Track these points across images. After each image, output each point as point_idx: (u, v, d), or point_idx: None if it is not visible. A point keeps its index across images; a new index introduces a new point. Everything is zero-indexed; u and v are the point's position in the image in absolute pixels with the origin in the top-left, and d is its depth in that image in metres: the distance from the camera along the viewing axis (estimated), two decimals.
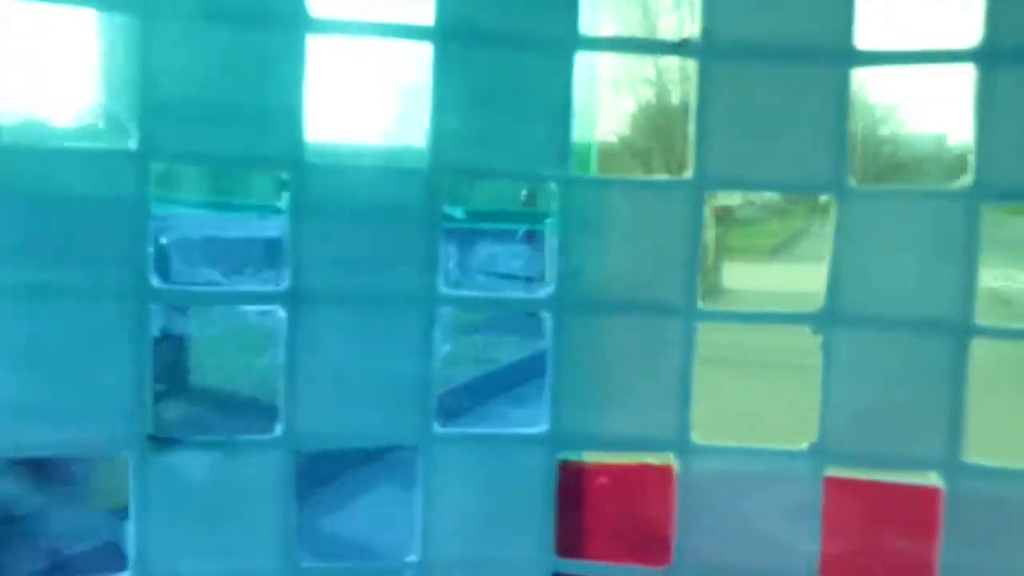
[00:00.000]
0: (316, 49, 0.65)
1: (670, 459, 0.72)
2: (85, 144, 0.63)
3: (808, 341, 0.70)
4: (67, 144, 0.63)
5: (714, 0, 0.68)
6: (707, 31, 0.68)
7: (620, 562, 0.75)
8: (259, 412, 0.70)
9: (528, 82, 0.68)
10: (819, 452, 0.70)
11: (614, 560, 0.76)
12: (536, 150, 0.69)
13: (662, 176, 0.72)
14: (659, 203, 0.70)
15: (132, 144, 0.62)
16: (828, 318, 0.70)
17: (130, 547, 0.65)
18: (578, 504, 0.76)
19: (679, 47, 0.69)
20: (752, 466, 0.72)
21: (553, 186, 0.69)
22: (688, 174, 0.69)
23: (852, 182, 0.68)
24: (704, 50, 0.68)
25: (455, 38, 0.66)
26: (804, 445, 0.71)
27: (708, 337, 0.71)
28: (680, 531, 0.72)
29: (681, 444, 0.71)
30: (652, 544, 0.73)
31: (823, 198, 0.70)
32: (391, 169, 0.69)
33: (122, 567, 0.65)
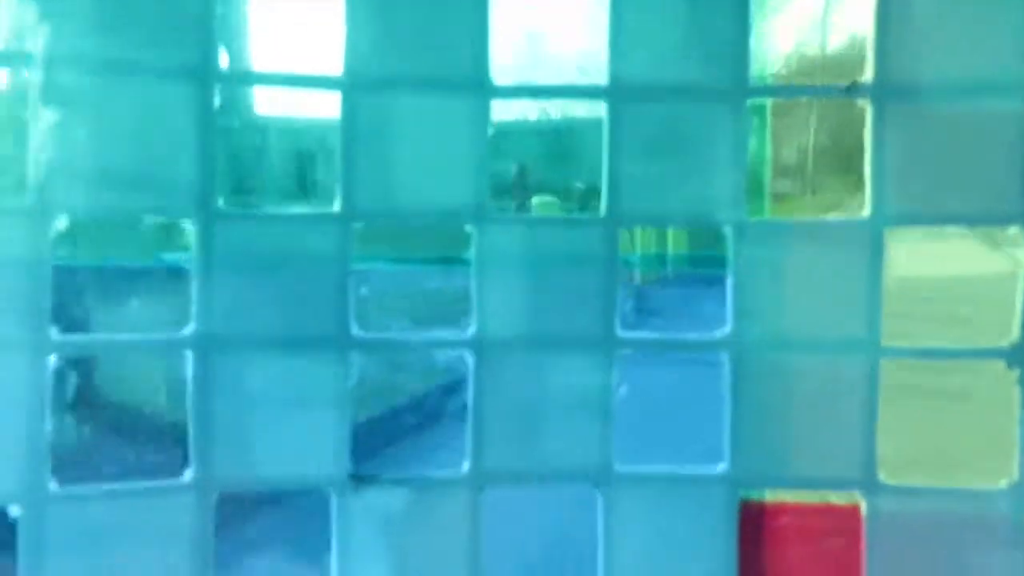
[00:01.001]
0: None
1: (856, 499, 0.68)
2: (294, 209, 0.68)
3: (1001, 374, 0.66)
4: (279, 209, 0.67)
5: (886, 42, 0.66)
6: (880, 72, 0.66)
7: None
8: (448, 450, 0.71)
9: (700, 130, 0.68)
10: (1020, 492, 0.65)
11: None
12: (710, 196, 0.68)
13: (838, 215, 0.70)
14: (836, 242, 0.68)
15: (336, 207, 0.66)
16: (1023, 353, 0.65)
17: None
18: (760, 544, 0.74)
19: (850, 90, 0.67)
20: (945, 506, 0.68)
21: (728, 230, 0.68)
22: (865, 213, 0.67)
23: None
24: (877, 91, 0.66)
25: (628, 95, 0.67)
26: (1003, 484, 0.66)
27: (894, 372, 0.68)
28: (870, 572, 0.68)
29: (867, 483, 0.68)
30: None
31: (1012, 230, 0.66)
32: (570, 220, 0.70)
33: None
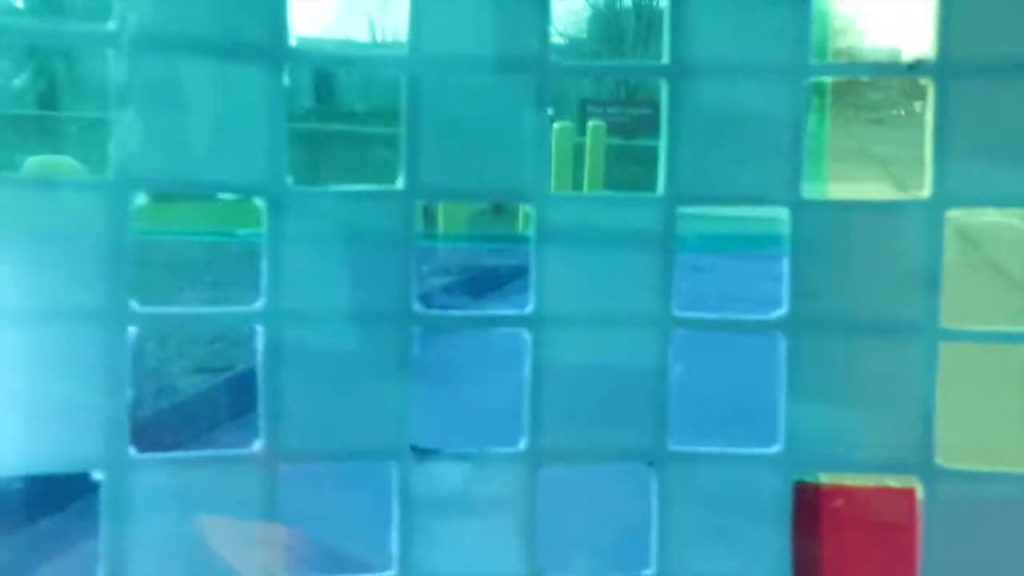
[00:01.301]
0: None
1: (913, 482, 0.67)
2: (359, 186, 0.69)
3: None
4: (345, 187, 0.68)
5: (949, 18, 0.64)
6: (943, 50, 0.64)
7: None
8: (506, 425, 0.72)
9: (759, 108, 0.67)
10: None
11: None
12: (768, 175, 0.67)
13: (898, 195, 0.68)
14: (896, 223, 0.67)
15: (400, 184, 0.67)
16: None
17: (394, 547, 0.69)
18: (815, 525, 0.73)
19: (913, 68, 0.65)
20: (1003, 492, 0.66)
21: (786, 209, 0.67)
22: (925, 192, 0.66)
23: None
24: (940, 69, 0.64)
25: (688, 73, 0.67)
26: None
27: (954, 355, 0.66)
28: (926, 557, 0.67)
29: (924, 467, 0.67)
30: (895, 568, 0.69)
31: None
32: (628, 199, 0.70)
33: (387, 566, 0.69)
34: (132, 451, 0.65)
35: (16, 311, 0.62)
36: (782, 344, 0.68)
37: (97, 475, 0.65)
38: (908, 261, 0.66)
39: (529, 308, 0.69)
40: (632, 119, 9.75)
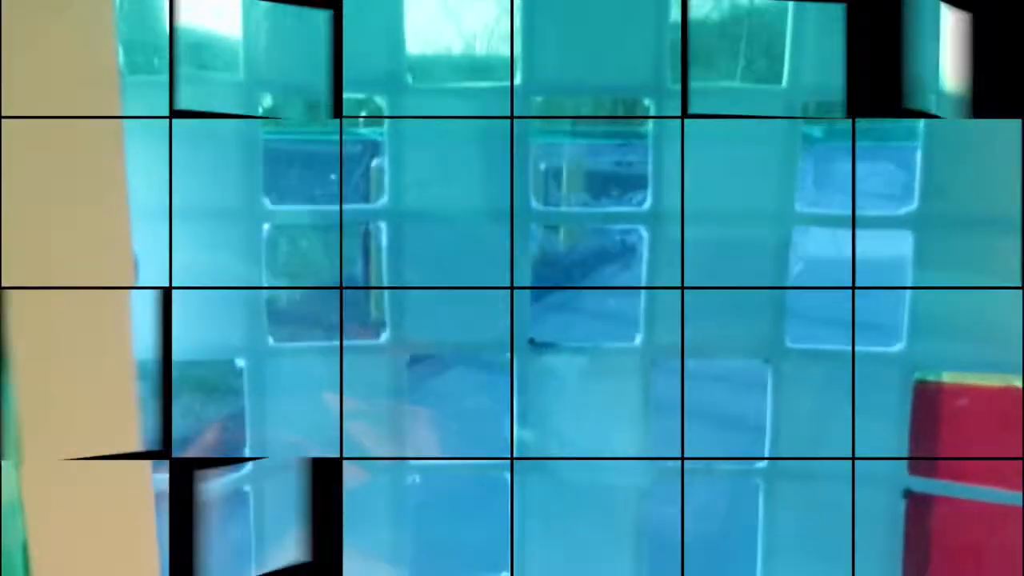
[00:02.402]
0: None
1: None
2: (475, 83, 0.68)
3: None
4: (461, 83, 0.67)
5: None
6: None
7: (977, 483, 0.69)
8: (623, 322, 0.72)
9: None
10: None
11: (970, 481, 0.70)
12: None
13: None
14: None
15: (517, 80, 0.66)
16: None
17: (509, 432, 0.71)
18: (935, 424, 0.71)
19: None
20: None
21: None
22: None
23: None
24: None
25: None
26: None
27: None
28: None
29: None
30: (1014, 467, 0.66)
31: None
32: (752, 91, 0.67)
33: (504, 451, 0.71)
34: (270, 340, 0.68)
35: (164, 212, 0.64)
36: (909, 240, 0.65)
37: (240, 362, 0.68)
38: None
39: (647, 205, 0.68)
40: None
